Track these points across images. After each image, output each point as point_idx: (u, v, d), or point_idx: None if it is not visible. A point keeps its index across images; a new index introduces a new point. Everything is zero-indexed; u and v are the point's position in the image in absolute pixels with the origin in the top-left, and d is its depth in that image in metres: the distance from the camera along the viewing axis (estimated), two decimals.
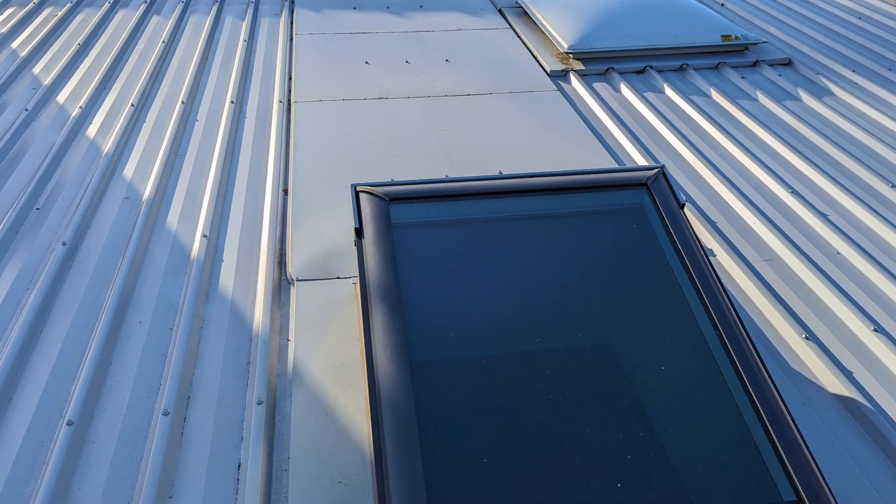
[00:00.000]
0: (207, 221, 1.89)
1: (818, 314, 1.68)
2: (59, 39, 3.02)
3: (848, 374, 1.52)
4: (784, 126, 2.52)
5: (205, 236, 1.83)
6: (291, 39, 3.10)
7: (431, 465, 1.06)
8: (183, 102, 2.50)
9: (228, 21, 3.27)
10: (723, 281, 1.75)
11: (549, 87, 2.68)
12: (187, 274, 1.73)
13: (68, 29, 3.11)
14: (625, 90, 2.73)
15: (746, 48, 3.05)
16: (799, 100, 2.72)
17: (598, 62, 2.89)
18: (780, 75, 2.89)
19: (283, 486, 1.25)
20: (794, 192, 2.11)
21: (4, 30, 3.03)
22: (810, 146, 2.40)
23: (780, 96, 2.74)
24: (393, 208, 1.47)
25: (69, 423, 1.31)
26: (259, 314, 1.60)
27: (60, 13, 3.21)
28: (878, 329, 1.63)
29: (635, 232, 1.48)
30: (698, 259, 1.40)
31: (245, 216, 1.95)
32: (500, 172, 2.15)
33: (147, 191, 2.03)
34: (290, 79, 2.75)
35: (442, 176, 2.12)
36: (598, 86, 2.78)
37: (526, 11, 3.39)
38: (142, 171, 2.14)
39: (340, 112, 2.45)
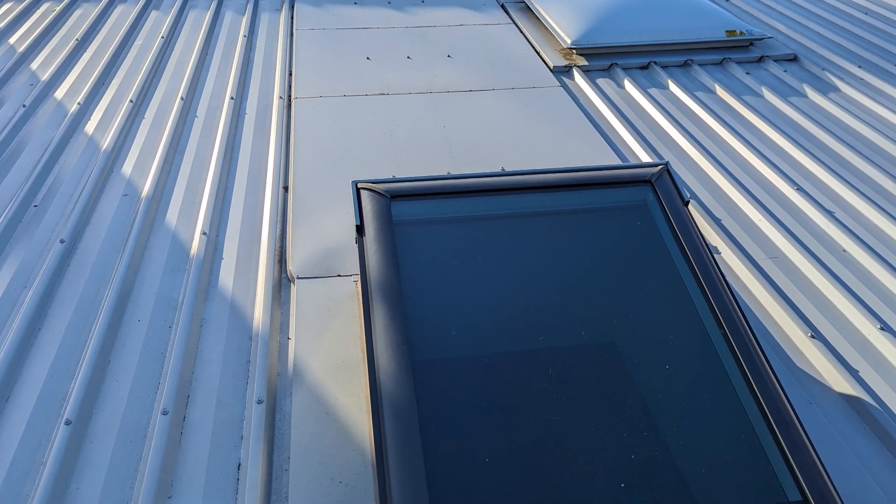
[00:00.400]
0: (207, 219, 1.88)
1: (824, 312, 1.67)
2: (56, 34, 3.00)
3: (854, 373, 1.51)
4: (789, 122, 2.51)
5: (204, 234, 1.82)
6: (292, 35, 3.09)
7: (433, 464, 1.05)
8: (182, 98, 2.48)
9: (228, 16, 3.25)
10: (727, 279, 1.73)
11: (551, 83, 2.67)
12: (187, 272, 1.72)
13: (66, 24, 3.10)
14: (628, 86, 2.71)
15: (751, 43, 3.03)
16: (804, 96, 2.70)
17: (601, 58, 2.87)
18: (785, 71, 2.88)
19: (283, 486, 1.25)
20: (799, 189, 2.10)
21: (2, 25, 3.02)
22: (816, 143, 2.38)
23: (786, 92, 2.73)
24: (394, 205, 1.47)
25: (67, 423, 1.31)
26: (259, 312, 1.59)
27: (58, 8, 3.19)
28: (885, 327, 1.62)
29: (639, 229, 1.48)
30: (703, 257, 1.40)
31: (245, 213, 1.94)
32: (503, 169, 2.14)
33: (146, 188, 2.02)
34: (291, 74, 2.73)
35: (444, 173, 2.11)
36: (601, 81, 2.76)
37: (528, 6, 3.36)
38: (141, 167, 2.13)
39: (341, 108, 2.44)
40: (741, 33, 2.95)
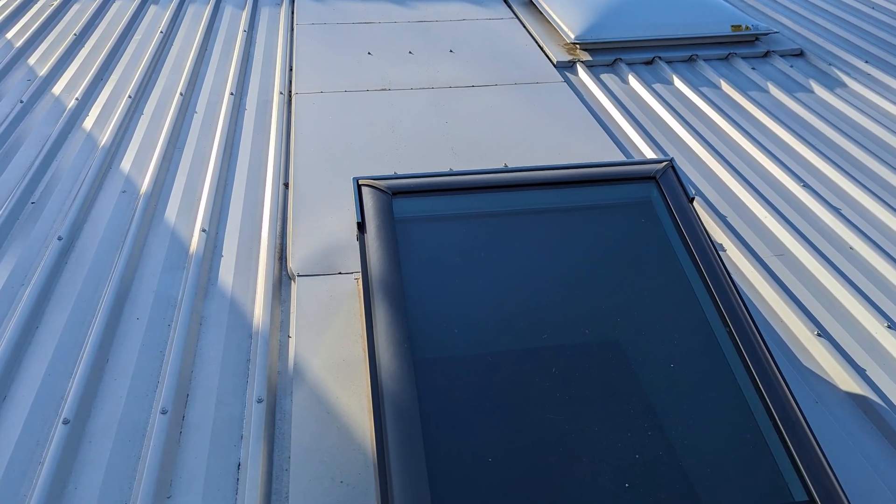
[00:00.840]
0: (206, 216, 1.87)
1: (830, 310, 1.66)
2: (54, 29, 2.99)
3: (861, 372, 1.50)
4: (795, 118, 2.49)
5: (204, 231, 1.81)
6: (292, 29, 3.07)
7: (435, 464, 1.05)
8: (181, 94, 2.47)
9: (228, 10, 3.24)
10: (733, 277, 1.73)
11: (555, 79, 2.65)
12: (186, 269, 1.71)
13: (64, 19, 3.09)
14: (633, 81, 2.70)
15: (757, 38, 3.01)
16: (811, 91, 2.69)
17: (605, 53, 2.86)
18: (791, 66, 2.86)
19: (283, 486, 1.24)
20: (805, 186, 2.09)
21: None
22: (822, 139, 2.37)
23: (792, 87, 2.71)
24: (396, 202, 1.46)
25: (65, 422, 1.30)
26: (259, 310, 1.58)
27: (56, 2, 3.18)
28: (892, 326, 1.61)
29: (643, 226, 1.47)
30: (708, 254, 1.39)
31: (245, 210, 1.93)
32: (506, 165, 2.13)
33: (145, 184, 2.01)
34: (291, 70, 2.72)
35: (446, 169, 2.10)
36: (605, 77, 2.75)
37: (532, 1, 3.34)
38: (139, 164, 2.12)
39: (342, 104, 2.43)
40: (747, 28, 2.93)
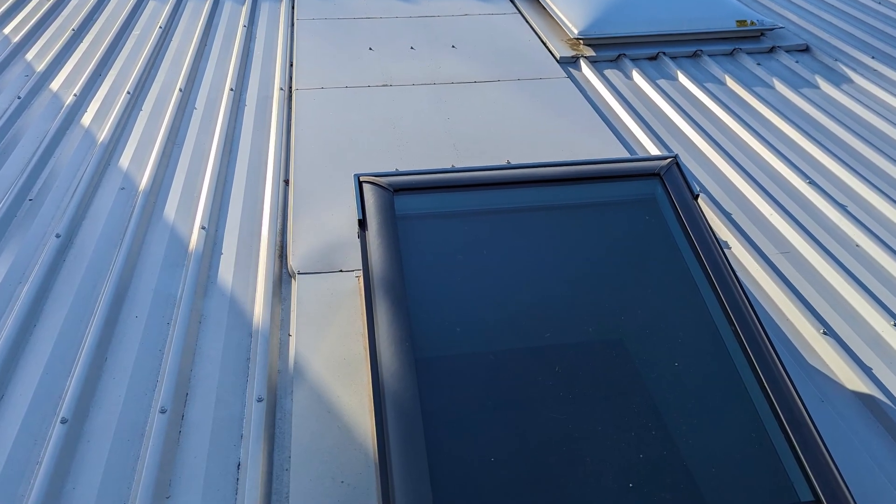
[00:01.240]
0: (206, 213, 1.86)
1: (836, 308, 1.65)
2: (52, 24, 2.97)
3: (867, 370, 1.49)
4: (801, 114, 2.47)
5: (203, 228, 1.80)
6: (293, 25, 3.06)
7: (437, 464, 1.04)
8: (181, 90, 2.46)
9: (228, 5, 3.22)
10: (738, 274, 1.72)
11: (558, 74, 2.63)
12: (185, 267, 1.70)
13: (62, 14, 3.07)
14: (637, 77, 2.68)
15: (762, 34, 3.00)
16: (816, 87, 2.67)
17: (609, 48, 2.84)
18: (797, 62, 2.84)
19: (284, 486, 1.23)
20: (811, 183, 2.07)
21: None
22: (828, 135, 2.35)
23: (797, 83, 2.69)
24: (397, 199, 1.45)
25: (63, 421, 1.29)
26: (259, 308, 1.58)
27: None
28: None
29: (647, 224, 1.47)
30: (713, 252, 1.38)
31: (245, 207, 1.93)
32: (508, 162, 2.12)
33: (144, 181, 2.00)
34: (292, 65, 2.71)
35: (448, 166, 2.09)
36: (609, 73, 2.73)
37: None
38: (138, 160, 2.11)
39: (343, 100, 2.41)
40: (752, 23, 2.92)
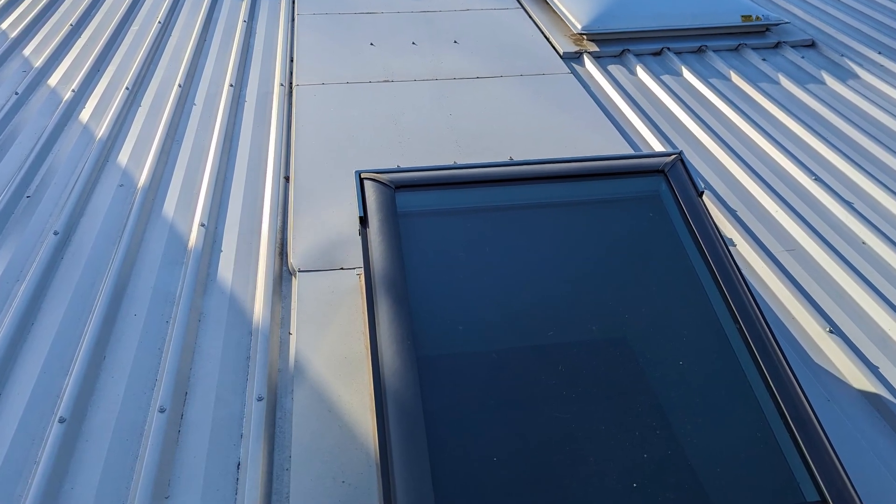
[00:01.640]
0: (205, 210, 1.85)
1: (843, 306, 1.64)
2: (50, 20, 2.96)
3: (874, 369, 1.48)
4: (807, 110, 2.46)
5: (203, 225, 1.79)
6: (293, 20, 3.05)
7: (439, 464, 1.03)
8: (180, 86, 2.45)
9: (227, 0, 3.19)
10: (743, 272, 1.70)
11: (561, 70, 2.62)
12: (184, 265, 1.69)
13: (60, 8, 3.06)
14: (641, 73, 2.66)
15: (768, 29, 2.98)
16: (822, 83, 2.65)
17: (613, 43, 2.83)
18: (802, 57, 2.82)
19: (284, 486, 1.23)
20: (817, 179, 2.06)
21: None
22: (834, 131, 2.34)
23: (803, 79, 2.67)
24: (399, 196, 1.44)
25: (61, 421, 1.28)
26: (259, 307, 1.57)
27: None
28: None
29: (652, 221, 1.46)
30: (717, 249, 1.37)
31: (245, 204, 1.92)
32: (511, 158, 2.11)
33: (142, 178, 1.99)
34: (292, 61, 2.70)
35: (450, 162, 2.08)
36: (613, 68, 2.72)
37: None
38: (137, 157, 2.10)
39: (344, 96, 2.40)
40: (757, 18, 2.90)
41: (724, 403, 1.14)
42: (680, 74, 2.69)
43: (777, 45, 2.90)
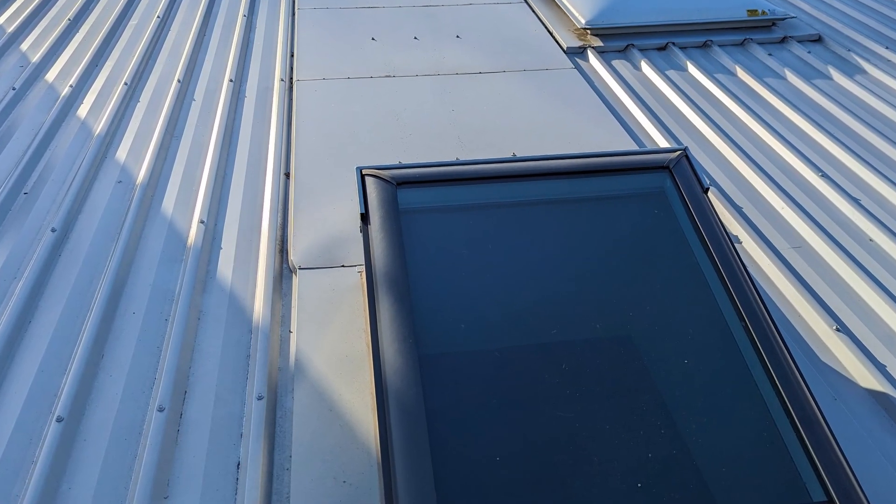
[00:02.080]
0: (205, 207, 1.84)
1: (850, 304, 1.63)
2: (47, 14, 2.95)
3: (881, 368, 1.47)
4: (813, 106, 2.44)
5: (202, 222, 1.78)
6: (293, 14, 3.03)
7: (441, 463, 1.03)
8: (179, 81, 2.43)
9: None
10: (749, 269, 1.69)
11: (565, 65, 2.60)
12: (183, 262, 1.68)
13: (58, 3, 3.05)
14: (646, 68, 2.65)
15: (774, 23, 2.96)
16: (829, 78, 2.63)
17: (617, 38, 2.81)
18: (809, 52, 2.80)
19: (284, 486, 1.22)
20: (824, 176, 2.04)
21: None
22: (841, 127, 2.32)
23: (810, 74, 2.65)
24: (401, 192, 1.43)
25: (59, 420, 1.28)
26: (259, 304, 1.56)
27: None
28: None
29: (657, 218, 1.45)
30: (723, 246, 1.36)
31: (245, 201, 1.91)
32: (514, 154, 2.10)
33: (141, 174, 1.97)
34: (293, 56, 2.69)
35: (452, 158, 2.07)
36: (617, 63, 2.69)
37: None
38: (135, 153, 2.09)
39: (345, 91, 2.38)
40: (763, 13, 2.88)
41: (729, 402, 1.13)
42: (685, 70, 2.67)
43: (783, 40, 2.88)
